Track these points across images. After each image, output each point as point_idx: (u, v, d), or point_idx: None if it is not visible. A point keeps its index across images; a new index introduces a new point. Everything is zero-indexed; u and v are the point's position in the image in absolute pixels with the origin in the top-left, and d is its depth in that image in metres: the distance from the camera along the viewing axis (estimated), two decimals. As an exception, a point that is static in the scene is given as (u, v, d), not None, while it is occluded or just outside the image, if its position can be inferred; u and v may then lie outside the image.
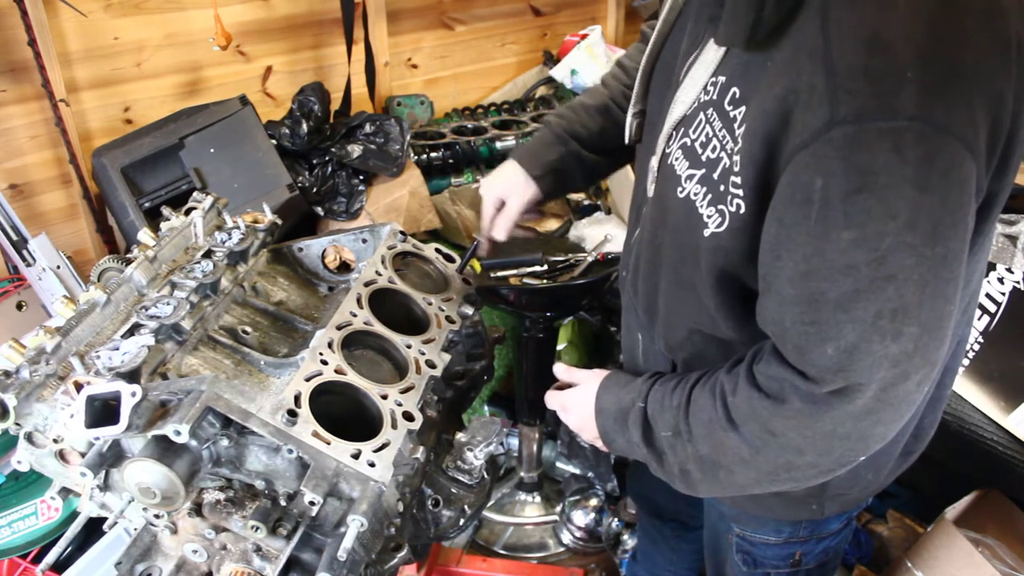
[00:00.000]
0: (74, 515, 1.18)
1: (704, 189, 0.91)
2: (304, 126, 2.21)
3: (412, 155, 2.36)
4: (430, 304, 1.31)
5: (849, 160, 0.74)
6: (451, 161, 2.47)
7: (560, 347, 2.50)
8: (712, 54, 0.93)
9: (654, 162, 1.05)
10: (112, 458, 0.99)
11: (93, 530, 1.57)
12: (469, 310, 1.34)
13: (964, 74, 0.74)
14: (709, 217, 0.90)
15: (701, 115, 0.92)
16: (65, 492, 1.12)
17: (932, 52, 0.73)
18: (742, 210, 0.86)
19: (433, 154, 2.44)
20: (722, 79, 0.90)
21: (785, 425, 0.88)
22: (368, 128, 2.30)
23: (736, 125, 0.86)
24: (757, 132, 0.82)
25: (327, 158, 2.26)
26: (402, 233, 1.42)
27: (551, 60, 2.88)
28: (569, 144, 1.36)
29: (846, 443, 0.87)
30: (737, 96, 0.87)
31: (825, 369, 0.83)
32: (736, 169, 0.85)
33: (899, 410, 0.85)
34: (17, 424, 1.04)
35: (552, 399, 1.20)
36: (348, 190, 2.27)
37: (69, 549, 1.83)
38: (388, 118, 2.33)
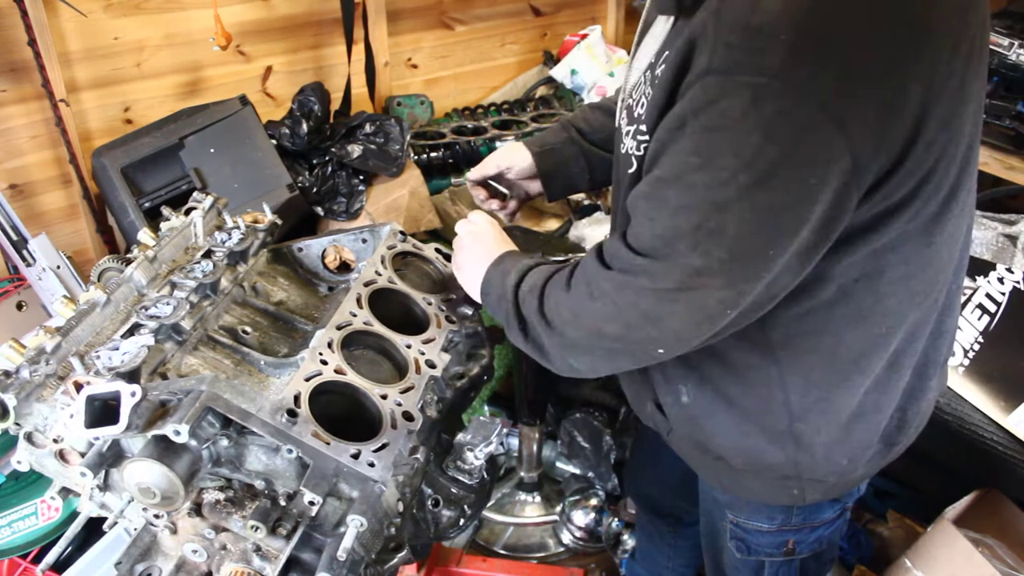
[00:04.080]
0: (74, 515, 1.18)
1: (635, 141, 1.02)
2: (304, 126, 2.21)
3: (412, 155, 2.36)
4: (430, 304, 1.31)
5: (713, 104, 0.84)
6: (451, 161, 2.47)
7: (560, 347, 2.50)
8: (660, 27, 1.01)
9: (620, 133, 1.14)
10: (112, 458, 0.99)
11: (93, 530, 1.56)
12: (469, 310, 1.34)
13: (844, 46, 0.81)
14: (632, 166, 1.02)
15: (642, 78, 1.01)
16: (65, 492, 1.12)
17: (810, 21, 0.80)
18: (646, 151, 0.97)
19: (433, 154, 2.44)
20: (663, 47, 0.98)
21: (603, 285, 0.98)
22: (368, 128, 2.30)
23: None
24: (663, 80, 0.92)
25: (327, 158, 2.26)
26: (402, 233, 1.42)
27: (551, 60, 2.88)
28: (570, 131, 1.45)
29: (646, 323, 0.95)
30: (667, 58, 0.95)
31: (643, 244, 0.94)
32: (643, 115, 0.97)
33: (695, 316, 0.93)
34: (17, 424, 1.04)
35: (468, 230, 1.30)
36: (348, 190, 2.27)
37: (69, 549, 1.83)
38: (388, 118, 2.32)
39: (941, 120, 0.88)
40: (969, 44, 0.89)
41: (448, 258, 1.43)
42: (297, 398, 1.02)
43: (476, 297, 1.22)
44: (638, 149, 1.00)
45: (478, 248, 1.24)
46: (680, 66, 0.89)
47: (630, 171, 1.04)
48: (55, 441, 1.04)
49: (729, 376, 1.12)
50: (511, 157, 1.47)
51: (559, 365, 1.08)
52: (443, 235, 2.39)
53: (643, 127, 0.98)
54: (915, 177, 0.91)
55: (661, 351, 0.98)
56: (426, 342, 1.23)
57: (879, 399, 1.11)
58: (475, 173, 1.51)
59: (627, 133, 1.04)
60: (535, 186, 1.49)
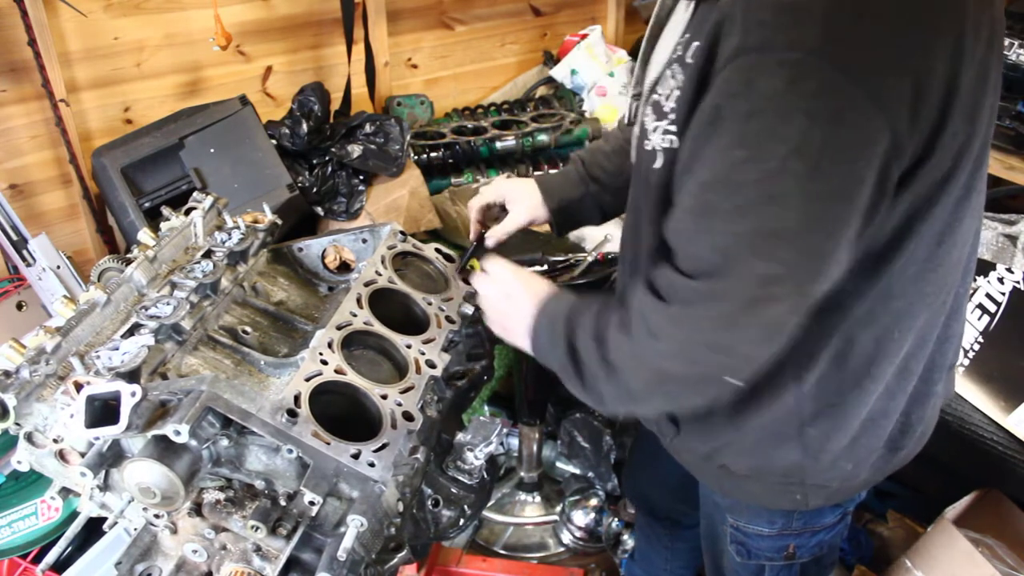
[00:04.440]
0: (74, 515, 1.18)
1: (666, 136, 0.97)
2: (304, 126, 2.21)
3: (412, 155, 2.36)
4: (430, 304, 1.31)
5: (749, 86, 0.80)
6: (451, 161, 2.47)
7: (560, 347, 2.50)
8: (681, 14, 0.99)
9: (636, 129, 1.09)
10: (112, 458, 0.99)
11: (93, 530, 1.56)
12: (469, 310, 1.34)
13: (877, 21, 0.78)
14: (659, 160, 0.97)
15: (667, 72, 0.97)
16: (65, 492, 1.12)
17: None
18: (675, 144, 0.93)
19: (433, 154, 2.44)
20: (687, 36, 0.94)
21: (660, 323, 0.92)
22: (368, 128, 2.30)
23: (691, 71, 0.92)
24: (692, 69, 0.88)
25: (327, 158, 2.26)
26: (402, 233, 1.42)
27: (551, 60, 2.88)
28: (590, 186, 1.42)
29: (716, 353, 0.90)
30: (696, 47, 0.92)
31: (700, 265, 0.88)
32: (672, 106, 0.93)
33: (766, 332, 0.88)
34: (17, 424, 1.04)
35: (494, 277, 1.19)
36: (348, 190, 2.27)
37: (69, 549, 1.83)
38: (388, 118, 2.32)
39: (965, 110, 0.86)
40: (989, 31, 0.87)
41: (448, 258, 1.43)
42: (297, 398, 1.02)
43: (527, 349, 1.13)
44: (664, 142, 0.96)
45: (512, 306, 1.15)
46: (708, 51, 0.85)
47: (655, 166, 0.98)
48: (55, 441, 1.04)
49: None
50: (522, 204, 1.42)
51: (623, 412, 1.02)
52: (443, 235, 2.39)
53: (671, 117, 0.93)
54: (939, 171, 0.89)
55: (731, 380, 0.92)
56: (426, 342, 1.23)
57: (887, 404, 1.10)
58: (492, 240, 1.45)
59: (654, 129, 0.99)
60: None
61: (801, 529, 1.26)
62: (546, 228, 1.52)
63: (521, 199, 1.42)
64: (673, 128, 0.93)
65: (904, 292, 1.00)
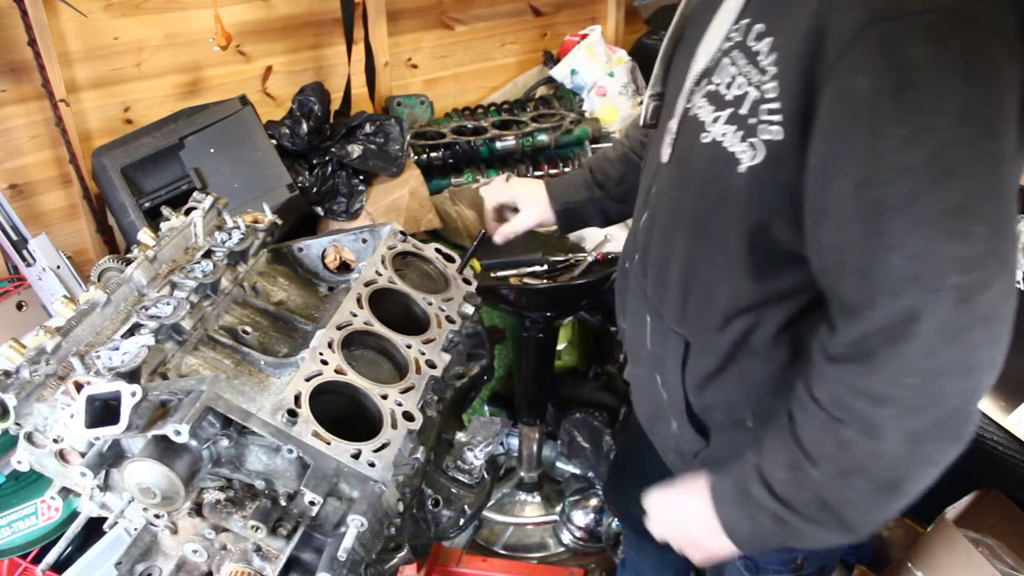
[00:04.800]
0: (74, 515, 1.18)
1: (733, 127, 0.90)
2: (304, 126, 2.21)
3: (412, 155, 2.36)
4: (430, 304, 1.31)
5: (892, 55, 0.73)
6: (451, 161, 2.47)
7: (560, 347, 2.51)
8: (732, 1, 0.93)
9: (672, 124, 1.04)
10: (112, 458, 0.99)
11: (93, 530, 1.56)
12: (469, 310, 1.34)
13: None
14: (743, 153, 0.88)
15: (725, 60, 0.91)
16: (65, 492, 1.12)
17: None
18: (780, 137, 0.84)
19: (433, 154, 2.44)
20: (745, 21, 0.89)
21: (884, 382, 0.81)
22: (368, 128, 2.30)
23: (761, 57, 0.85)
24: (791, 54, 0.81)
25: (327, 158, 2.26)
26: (402, 233, 1.42)
27: (551, 60, 2.88)
28: (595, 191, 1.44)
29: (952, 379, 0.79)
30: (762, 31, 0.86)
31: (895, 284, 0.78)
32: (770, 96, 0.84)
33: (993, 327, 0.77)
34: (17, 424, 1.04)
35: (655, 511, 1.10)
36: (348, 190, 2.27)
37: (69, 549, 1.83)
38: (388, 118, 2.32)
39: None
40: None
41: (448, 258, 1.43)
42: (297, 398, 1.02)
43: (736, 549, 1.00)
44: (765, 134, 0.85)
45: (691, 521, 1.04)
46: (815, 29, 0.78)
47: (740, 167, 0.88)
48: (55, 441, 1.04)
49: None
50: (530, 206, 1.47)
51: (881, 518, 0.90)
52: (443, 235, 2.39)
53: (770, 107, 0.84)
54: None
55: (971, 406, 0.82)
56: (426, 342, 1.23)
57: None
58: (501, 238, 1.52)
59: (714, 120, 0.92)
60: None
61: None
62: (546, 228, 1.56)
63: (531, 201, 1.47)
64: (776, 118, 0.84)
65: None
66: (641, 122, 1.19)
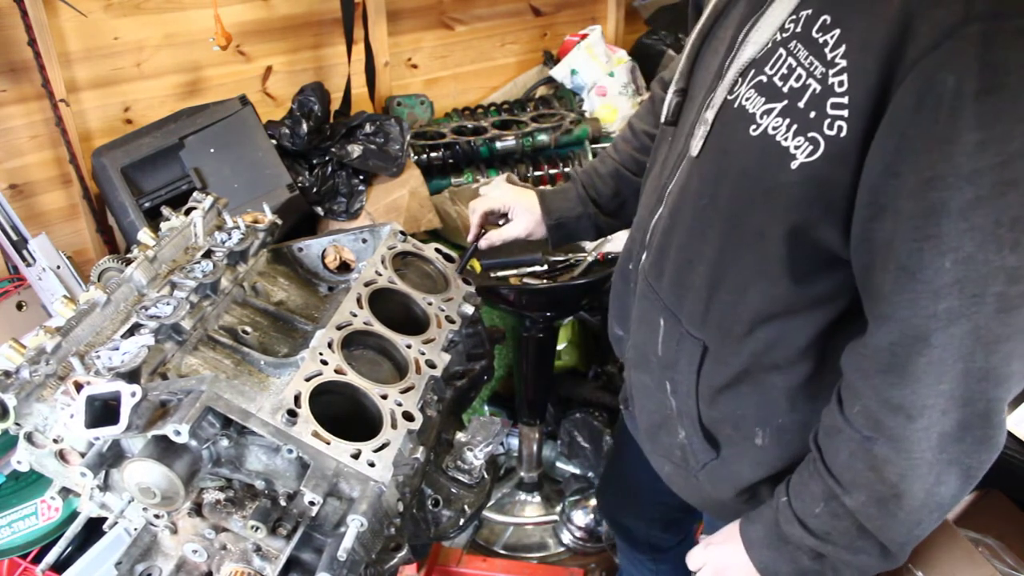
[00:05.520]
0: (74, 515, 1.18)
1: (787, 120, 0.87)
2: (304, 126, 2.21)
3: (412, 155, 2.36)
4: (430, 304, 1.31)
5: (984, 58, 0.71)
6: (451, 161, 2.47)
7: (560, 347, 2.51)
8: None
9: (709, 115, 0.99)
10: (112, 458, 0.99)
11: (93, 530, 1.56)
12: (469, 310, 1.34)
13: None
14: (797, 148, 0.86)
15: (780, 51, 0.89)
16: (65, 492, 1.12)
17: None
18: (843, 133, 0.82)
19: (433, 154, 2.44)
20: (806, 12, 0.87)
21: (918, 393, 0.81)
22: (368, 128, 2.30)
23: (828, 49, 0.83)
24: (868, 47, 0.78)
25: (327, 158, 2.26)
26: (402, 233, 1.42)
27: (551, 60, 2.88)
28: (588, 207, 1.43)
29: (983, 385, 0.79)
30: (828, 22, 0.84)
31: (939, 287, 0.77)
32: (839, 90, 0.81)
33: None
34: (17, 424, 1.04)
35: (695, 561, 1.11)
36: (348, 190, 2.27)
37: (69, 549, 1.83)
38: (388, 118, 2.32)
39: None
40: None
41: (448, 258, 1.43)
42: (297, 398, 1.02)
43: None
44: (828, 128, 0.83)
45: (726, 568, 1.05)
46: (901, 23, 0.75)
47: (793, 163, 0.86)
48: (55, 441, 1.04)
49: (812, 418, 0.99)
50: (521, 215, 1.45)
51: (921, 533, 0.90)
52: (443, 235, 2.39)
53: (836, 101, 0.81)
54: None
55: (1000, 415, 0.82)
56: (426, 342, 1.23)
57: None
58: (486, 244, 1.48)
59: (767, 112, 0.89)
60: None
61: None
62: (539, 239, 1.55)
63: (525, 211, 1.44)
64: (843, 113, 0.81)
65: None
66: (663, 119, 1.14)
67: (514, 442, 2.46)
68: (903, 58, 0.76)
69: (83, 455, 1.03)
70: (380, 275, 1.31)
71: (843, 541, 0.91)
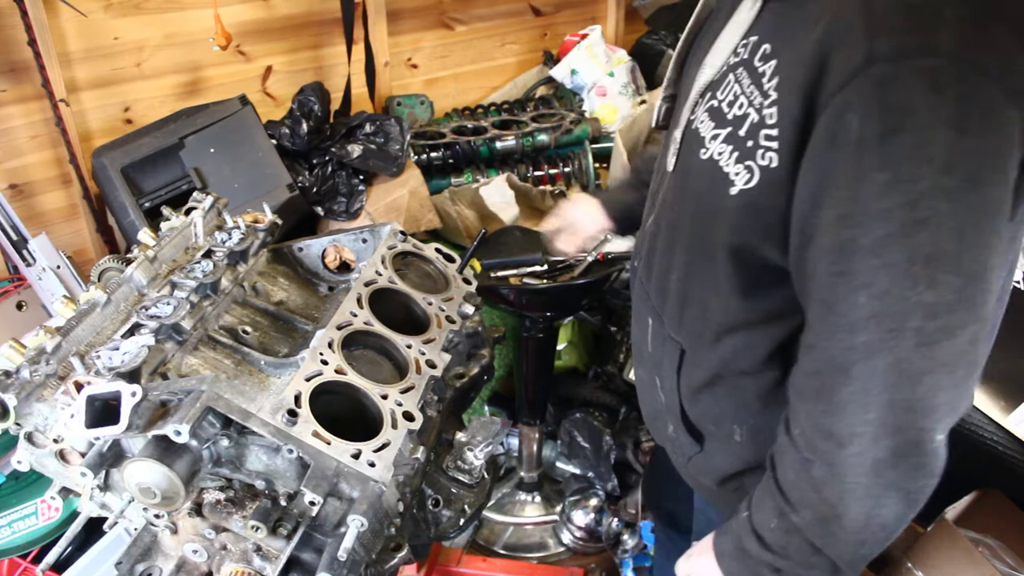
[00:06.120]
0: (74, 515, 1.18)
1: (730, 147, 0.89)
2: (304, 126, 2.21)
3: (412, 155, 2.36)
4: (430, 304, 1.31)
5: (886, 99, 0.72)
6: (451, 161, 2.47)
7: (560, 347, 2.51)
8: (745, 13, 0.92)
9: (677, 134, 1.03)
10: (112, 458, 0.99)
11: (93, 530, 1.56)
12: (469, 310, 1.34)
13: (1005, 15, 0.73)
14: (736, 175, 0.89)
15: (730, 76, 0.91)
16: (65, 492, 1.12)
17: None
18: (774, 163, 0.84)
19: (433, 154, 2.44)
20: (754, 38, 0.89)
21: (845, 422, 0.82)
22: (368, 128, 2.30)
23: (765, 80, 0.85)
24: (793, 81, 0.80)
25: (327, 158, 2.26)
26: (402, 233, 1.42)
27: (551, 60, 2.88)
28: (643, 191, 1.44)
29: (911, 416, 0.79)
30: (768, 52, 0.85)
31: (855, 321, 0.78)
32: (769, 122, 0.84)
33: (957, 372, 0.78)
34: (17, 424, 1.04)
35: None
36: (348, 190, 2.27)
37: (69, 549, 1.83)
38: (388, 118, 2.32)
39: None
40: None
41: (448, 258, 1.43)
42: (297, 398, 1.02)
43: None
44: (761, 159, 0.85)
45: (700, 572, 1.07)
46: (817, 62, 0.77)
47: (732, 189, 0.88)
48: (55, 441, 1.04)
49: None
50: (593, 219, 1.54)
51: (866, 552, 0.90)
52: (443, 235, 2.39)
53: (768, 132, 0.84)
54: None
55: (940, 436, 0.82)
56: (426, 342, 1.23)
57: None
58: (553, 223, 1.59)
59: (713, 137, 0.92)
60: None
61: None
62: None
63: (588, 219, 1.54)
64: (773, 145, 0.83)
65: None
66: (653, 123, 1.19)
67: (514, 442, 2.46)
68: (819, 95, 0.77)
69: (83, 455, 1.03)
70: (380, 275, 1.31)
71: (797, 557, 0.92)
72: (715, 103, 0.93)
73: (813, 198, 0.81)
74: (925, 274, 0.75)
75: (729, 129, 0.90)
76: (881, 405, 0.80)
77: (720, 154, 0.91)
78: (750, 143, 0.87)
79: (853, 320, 0.79)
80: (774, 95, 0.83)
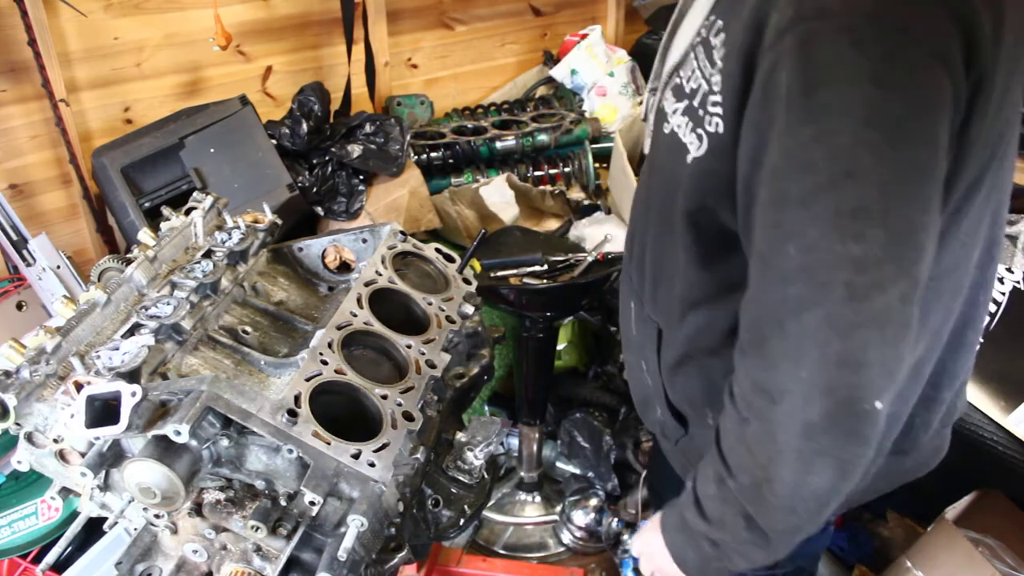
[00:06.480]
0: (74, 515, 1.18)
1: (687, 119, 0.93)
2: (304, 126, 2.21)
3: (412, 155, 2.36)
4: (430, 304, 1.31)
5: (810, 55, 0.75)
6: (451, 161, 2.47)
7: (560, 347, 2.51)
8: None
9: (651, 117, 1.08)
10: (112, 458, 0.99)
11: (93, 530, 1.56)
12: (469, 310, 1.34)
13: None
14: (691, 143, 0.93)
15: (691, 55, 0.95)
16: (65, 492, 1.12)
17: None
18: (720, 129, 0.88)
19: (433, 154, 2.44)
20: (712, 17, 0.92)
21: (779, 376, 0.83)
22: (368, 128, 2.30)
23: (715, 52, 0.89)
24: (734, 47, 0.84)
25: (327, 158, 2.26)
26: (402, 233, 1.42)
27: (551, 60, 2.88)
28: None
29: (842, 372, 0.79)
30: (720, 26, 0.89)
31: (787, 272, 0.80)
32: (716, 89, 0.88)
33: (887, 330, 0.78)
34: (17, 424, 1.04)
35: (637, 553, 1.14)
36: (348, 190, 2.27)
37: (69, 549, 1.83)
38: (388, 118, 2.32)
39: (1001, 86, 0.81)
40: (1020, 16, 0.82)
41: (448, 258, 1.43)
42: (297, 398, 1.02)
43: (684, 571, 1.03)
44: (709, 125, 0.89)
45: (654, 550, 1.07)
46: (754, 26, 0.80)
47: (693, 154, 0.92)
48: (55, 441, 1.04)
49: None
50: None
51: (799, 528, 0.91)
52: (443, 235, 2.39)
53: (713, 99, 0.88)
54: (973, 159, 0.84)
55: (878, 403, 0.80)
56: (426, 342, 1.23)
57: (900, 408, 1.04)
58: None
59: (674, 111, 0.95)
60: None
61: None
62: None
63: None
64: (718, 111, 0.87)
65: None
66: (642, 116, 1.22)
67: (514, 442, 2.46)
68: (756, 57, 0.81)
69: (83, 455, 1.03)
70: (380, 275, 1.31)
71: (732, 528, 0.93)
72: (678, 80, 0.97)
73: (752, 157, 0.83)
74: (852, 227, 0.76)
75: (687, 102, 0.94)
76: (814, 361, 0.80)
77: (679, 126, 0.95)
78: (701, 112, 0.91)
79: (785, 272, 0.80)
80: (720, 63, 0.88)
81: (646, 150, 1.13)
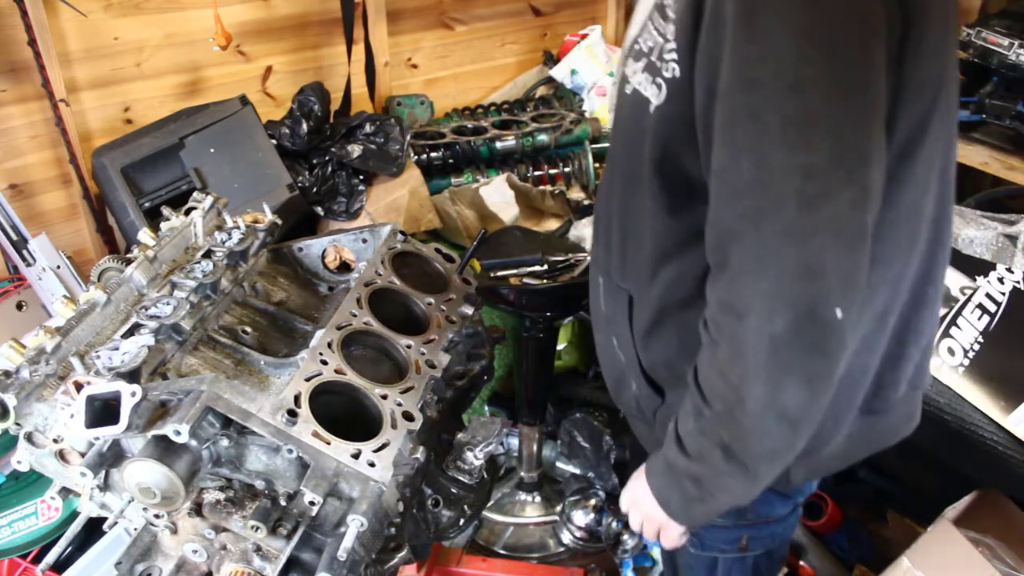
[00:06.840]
0: (74, 515, 1.18)
1: (646, 74, 0.98)
2: (304, 126, 2.21)
3: (412, 155, 2.36)
4: (430, 304, 1.31)
5: None
6: (451, 161, 2.47)
7: (560, 347, 2.50)
8: None
9: (614, 89, 1.11)
10: (112, 458, 0.99)
11: (93, 530, 1.57)
12: (469, 310, 1.34)
13: None
14: (652, 95, 0.97)
15: (648, 23, 0.99)
16: (65, 492, 1.12)
17: None
18: (677, 73, 0.92)
19: (433, 154, 2.44)
20: None
21: (742, 291, 0.86)
22: (368, 128, 2.30)
23: (668, 8, 0.94)
24: None
25: (327, 158, 2.26)
26: (402, 233, 1.42)
27: (551, 60, 2.88)
28: None
29: (801, 282, 0.83)
30: None
31: (740, 186, 0.84)
32: (670, 38, 0.93)
33: (841, 236, 0.82)
34: (17, 424, 1.04)
35: (624, 503, 1.17)
36: (348, 190, 2.27)
37: (69, 549, 1.83)
38: (388, 118, 2.32)
39: (937, 29, 0.86)
40: None
41: (448, 258, 1.43)
42: (297, 398, 1.02)
43: (677, 522, 1.07)
44: (666, 71, 0.94)
45: (639, 497, 1.10)
46: None
47: (650, 107, 0.96)
48: (55, 441, 1.04)
49: None
50: None
51: (777, 453, 0.93)
52: (443, 235, 2.39)
53: (669, 46, 0.93)
54: (914, 93, 0.88)
55: (839, 311, 0.83)
56: (426, 342, 1.23)
57: (867, 360, 1.06)
58: None
59: (634, 72, 1.00)
60: None
61: (754, 520, 1.25)
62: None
63: None
64: (674, 56, 0.92)
65: (880, 235, 0.94)
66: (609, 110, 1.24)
67: (514, 442, 2.46)
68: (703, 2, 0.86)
69: (83, 455, 1.03)
70: (380, 275, 1.31)
71: (711, 461, 0.95)
72: (638, 46, 1.01)
73: (708, 87, 0.87)
74: (799, 137, 0.81)
75: (645, 60, 0.98)
76: (773, 272, 0.84)
77: (640, 84, 0.99)
78: (658, 63, 0.96)
79: (740, 186, 0.84)
80: (672, 16, 0.93)
81: (610, 124, 1.16)
